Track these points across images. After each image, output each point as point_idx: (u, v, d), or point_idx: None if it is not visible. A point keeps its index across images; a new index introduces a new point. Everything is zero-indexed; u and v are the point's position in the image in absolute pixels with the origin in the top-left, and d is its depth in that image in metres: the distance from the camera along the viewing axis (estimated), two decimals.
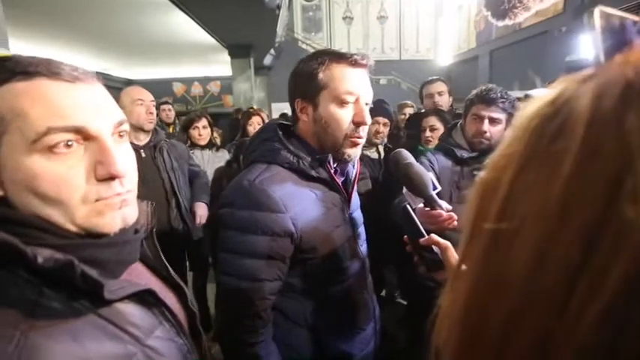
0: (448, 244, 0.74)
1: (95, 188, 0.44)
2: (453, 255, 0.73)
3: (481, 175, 0.26)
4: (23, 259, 0.39)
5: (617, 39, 0.25)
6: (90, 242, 0.44)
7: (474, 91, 1.44)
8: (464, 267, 0.26)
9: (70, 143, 0.42)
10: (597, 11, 0.24)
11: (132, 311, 0.47)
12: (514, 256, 0.21)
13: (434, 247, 0.75)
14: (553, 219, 0.20)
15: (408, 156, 0.87)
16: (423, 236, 0.76)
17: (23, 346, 0.37)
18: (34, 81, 0.41)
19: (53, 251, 0.40)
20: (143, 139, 1.81)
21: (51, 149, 0.41)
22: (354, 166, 0.95)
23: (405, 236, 0.80)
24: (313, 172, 0.84)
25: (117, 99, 0.55)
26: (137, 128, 1.76)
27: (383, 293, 2.60)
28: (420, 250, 0.77)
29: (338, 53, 0.83)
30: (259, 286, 0.80)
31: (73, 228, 0.43)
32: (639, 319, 0.17)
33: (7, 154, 0.40)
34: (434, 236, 0.75)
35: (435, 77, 2.42)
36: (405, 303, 2.42)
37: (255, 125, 2.63)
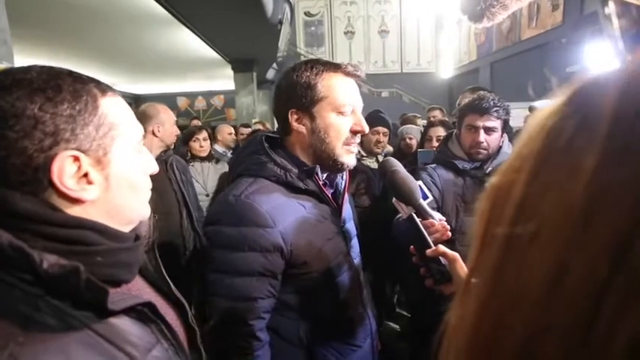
0: (456, 255, 0.71)
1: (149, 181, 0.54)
2: (462, 267, 0.70)
3: (492, 180, 0.23)
4: (28, 263, 0.38)
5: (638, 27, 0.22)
6: (132, 245, 0.49)
7: (466, 101, 1.43)
8: (474, 280, 0.23)
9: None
10: None
11: (129, 328, 0.44)
12: (531, 266, 0.19)
13: (441, 258, 0.72)
14: (575, 224, 0.17)
15: (394, 163, 0.85)
16: (430, 247, 0.73)
17: None
18: (118, 97, 0.50)
19: (58, 257, 0.39)
20: (156, 154, 1.85)
21: (139, 150, 0.51)
22: (342, 177, 0.94)
23: (412, 247, 0.77)
24: (301, 185, 0.82)
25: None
26: (165, 145, 1.88)
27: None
28: (426, 261, 0.75)
29: (332, 63, 0.83)
30: (252, 305, 0.78)
31: (145, 213, 0.53)
32: None
33: (119, 154, 0.47)
34: (441, 247, 0.73)
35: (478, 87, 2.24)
36: (406, 314, 2.36)
37: None
